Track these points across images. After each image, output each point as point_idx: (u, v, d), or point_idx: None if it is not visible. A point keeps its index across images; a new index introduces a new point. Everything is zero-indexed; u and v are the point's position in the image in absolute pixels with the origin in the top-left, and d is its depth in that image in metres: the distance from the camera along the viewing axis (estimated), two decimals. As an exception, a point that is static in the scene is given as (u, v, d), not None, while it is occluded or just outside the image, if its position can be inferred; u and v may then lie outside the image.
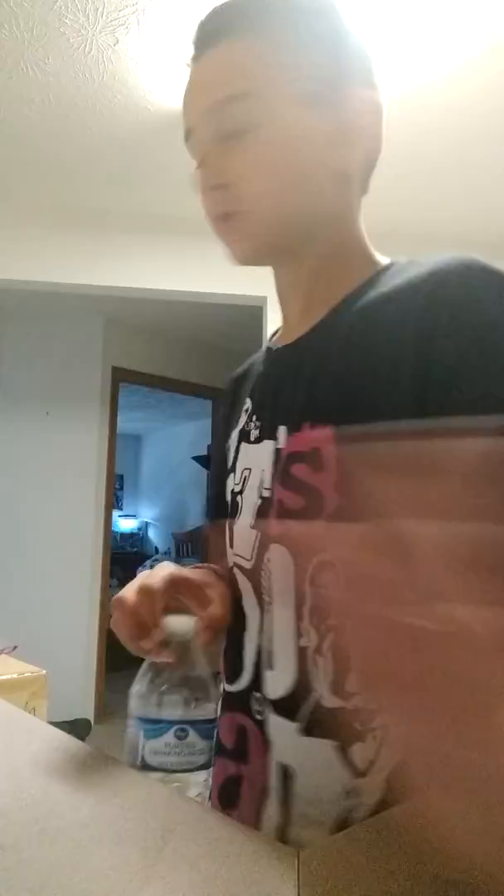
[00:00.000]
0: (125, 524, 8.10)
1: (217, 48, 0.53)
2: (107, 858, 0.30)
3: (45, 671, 0.93)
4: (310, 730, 0.47)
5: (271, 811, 0.49)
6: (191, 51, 0.57)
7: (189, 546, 6.74)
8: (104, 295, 2.72)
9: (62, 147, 2.14)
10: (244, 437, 0.61)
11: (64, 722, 3.15)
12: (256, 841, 0.33)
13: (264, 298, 2.73)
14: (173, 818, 0.34)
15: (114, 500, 4.23)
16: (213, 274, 2.69)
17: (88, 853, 0.30)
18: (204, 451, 6.22)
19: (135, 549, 7.80)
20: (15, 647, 1.08)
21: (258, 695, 0.52)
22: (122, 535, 7.89)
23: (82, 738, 2.54)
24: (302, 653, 0.48)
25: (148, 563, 7.02)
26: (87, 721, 3.37)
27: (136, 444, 8.52)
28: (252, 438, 0.59)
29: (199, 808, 0.36)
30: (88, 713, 3.42)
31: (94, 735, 3.30)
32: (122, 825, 0.33)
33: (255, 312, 2.83)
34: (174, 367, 4.29)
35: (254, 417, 0.61)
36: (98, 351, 3.79)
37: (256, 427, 0.59)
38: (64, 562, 3.53)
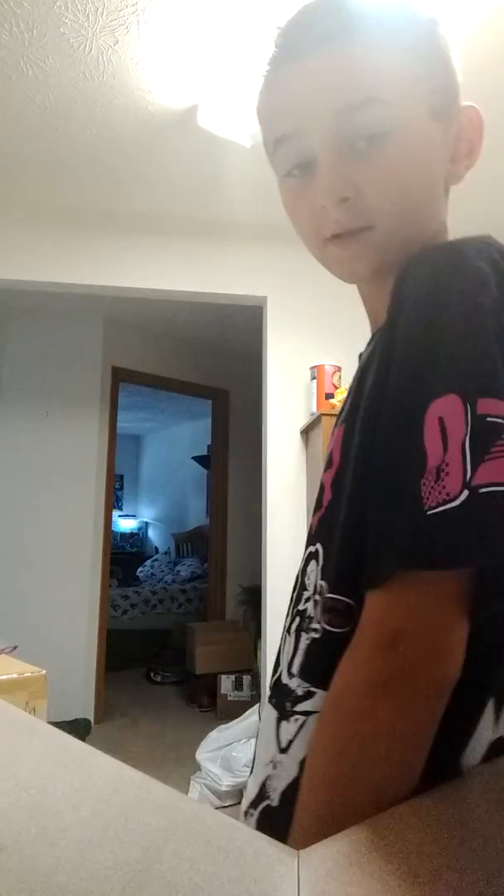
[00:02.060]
0: (125, 524, 8.10)
1: (339, 47, 0.48)
2: (107, 858, 0.30)
3: (45, 671, 0.93)
4: (270, 698, 0.52)
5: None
6: (289, 48, 0.52)
7: (189, 546, 6.74)
8: (104, 295, 2.72)
9: (62, 147, 2.14)
10: None
11: (64, 722, 3.15)
12: (256, 841, 0.33)
13: (264, 298, 2.73)
14: (173, 818, 0.34)
15: (114, 500, 4.23)
16: (213, 274, 2.70)
17: (88, 853, 0.30)
18: (204, 451, 6.22)
19: (135, 549, 7.80)
20: (15, 647, 1.08)
21: None
22: (122, 535, 7.89)
23: (82, 738, 2.55)
24: (283, 631, 0.54)
25: (148, 563, 7.03)
26: (87, 721, 3.37)
27: (136, 444, 8.53)
28: None
29: (199, 808, 0.36)
30: (88, 713, 3.42)
31: (94, 735, 3.30)
32: (122, 825, 0.33)
33: (255, 312, 2.83)
34: (174, 367, 4.29)
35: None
36: (98, 351, 3.80)
37: None
38: (64, 562, 3.53)
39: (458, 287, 0.41)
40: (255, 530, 2.89)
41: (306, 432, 2.59)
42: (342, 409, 0.56)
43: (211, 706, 3.71)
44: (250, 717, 2.70)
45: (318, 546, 0.50)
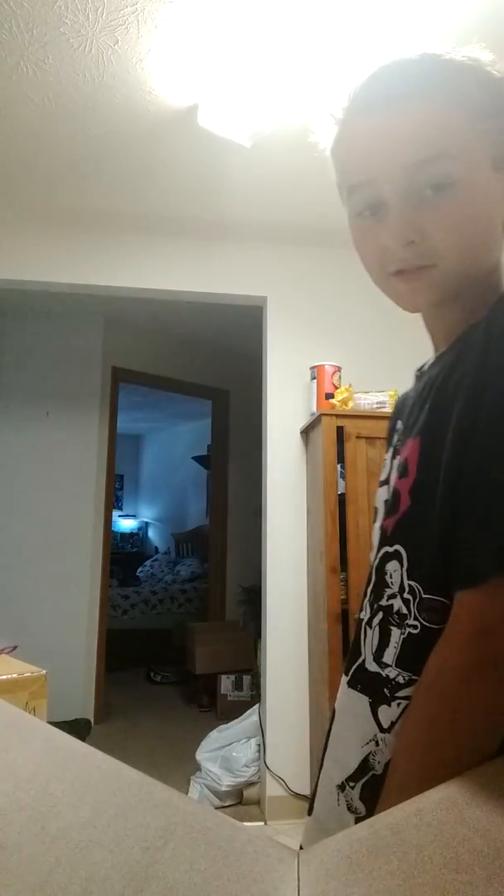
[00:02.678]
0: (125, 524, 8.10)
1: (413, 107, 0.55)
2: (107, 858, 0.30)
3: (45, 671, 0.93)
4: (353, 684, 0.59)
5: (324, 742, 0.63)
6: (368, 103, 0.57)
7: (189, 546, 6.74)
8: (104, 295, 2.72)
9: (62, 147, 2.14)
10: (395, 452, 0.68)
11: (64, 722, 3.15)
12: (256, 841, 0.33)
13: (264, 298, 2.73)
14: (173, 818, 0.34)
15: (114, 500, 4.23)
16: (213, 274, 2.70)
17: (88, 853, 0.30)
18: (204, 451, 6.22)
19: (135, 549, 7.80)
20: (15, 647, 1.08)
21: None
22: (122, 535, 7.89)
23: (82, 738, 2.55)
24: (358, 623, 0.61)
25: (148, 563, 7.03)
26: (87, 721, 3.37)
27: (136, 444, 8.52)
28: (394, 453, 0.68)
29: (199, 808, 0.36)
30: (88, 713, 3.42)
31: (94, 735, 3.30)
32: (122, 825, 0.33)
33: (255, 312, 2.83)
34: (174, 367, 4.29)
35: (400, 433, 0.69)
36: (98, 351, 3.79)
37: (400, 441, 0.67)
38: (64, 562, 3.53)
39: None
40: (255, 530, 2.89)
41: (306, 432, 2.59)
42: (410, 421, 0.63)
43: (211, 706, 3.71)
44: (250, 717, 2.70)
45: (399, 547, 0.57)
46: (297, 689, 2.46)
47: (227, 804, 2.51)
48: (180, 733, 3.34)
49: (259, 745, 2.53)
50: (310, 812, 0.63)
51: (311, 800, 0.63)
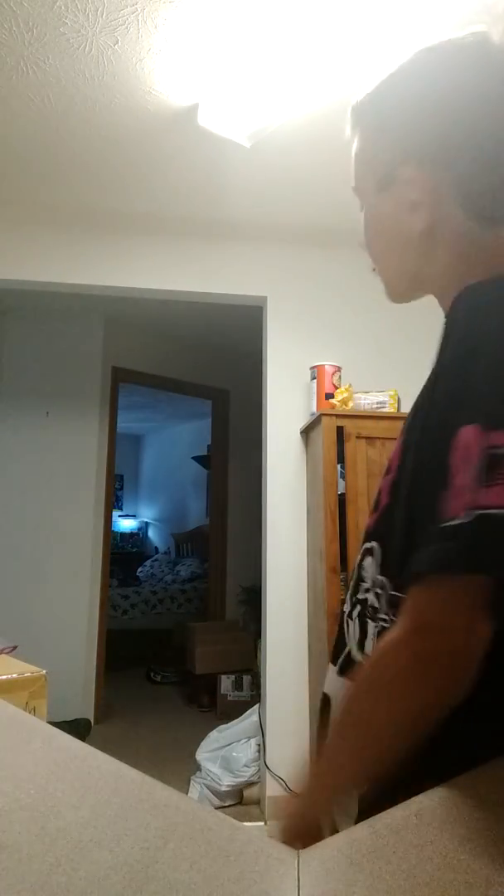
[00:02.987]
0: (125, 524, 8.10)
1: (355, 143, 0.70)
2: (107, 858, 0.30)
3: (45, 671, 0.93)
4: (342, 672, 0.62)
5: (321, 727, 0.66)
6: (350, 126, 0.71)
7: (189, 546, 6.74)
8: (104, 295, 2.72)
9: (62, 147, 2.14)
10: None
11: (64, 722, 3.15)
12: (256, 841, 0.33)
13: (264, 298, 2.73)
14: (173, 818, 0.34)
15: (114, 500, 4.23)
16: (213, 274, 2.70)
17: (88, 853, 0.30)
18: (204, 451, 6.22)
19: (135, 549, 7.80)
20: (15, 647, 1.08)
21: None
22: (122, 535, 7.89)
23: (82, 738, 2.54)
24: (342, 615, 0.64)
25: (148, 563, 7.03)
26: (87, 721, 3.37)
27: (136, 444, 8.52)
28: None
29: (199, 808, 0.36)
30: (88, 713, 3.42)
31: (94, 735, 3.30)
32: (122, 825, 0.33)
33: (255, 312, 2.83)
34: (174, 367, 4.29)
35: None
36: (98, 351, 3.79)
37: None
38: (64, 562, 3.53)
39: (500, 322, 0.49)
40: (255, 530, 2.89)
41: (306, 432, 2.59)
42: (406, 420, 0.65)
43: (211, 706, 3.71)
44: (250, 717, 2.70)
45: (375, 544, 0.60)
46: (297, 689, 2.46)
47: (227, 804, 2.51)
48: (180, 733, 3.34)
49: (259, 745, 2.53)
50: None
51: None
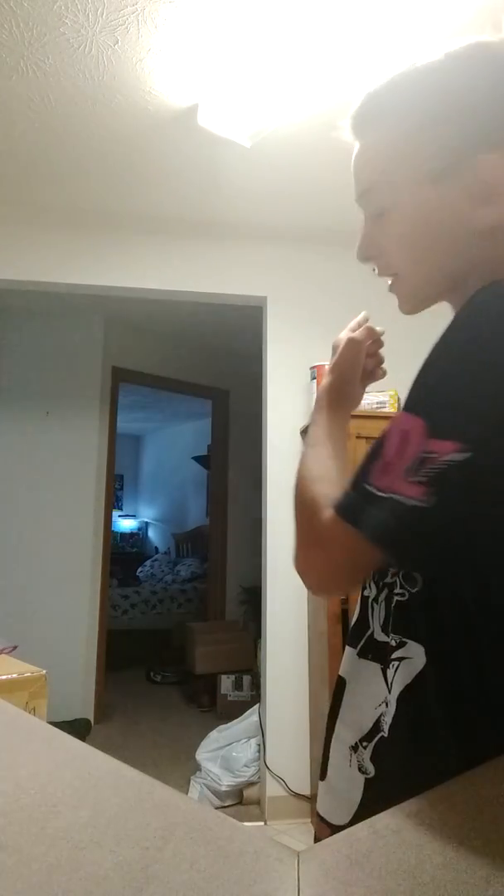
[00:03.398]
0: (125, 524, 8.10)
1: (359, 143, 0.64)
2: (107, 858, 0.30)
3: (45, 671, 0.93)
4: (364, 654, 0.63)
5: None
6: (349, 125, 0.65)
7: (189, 546, 6.74)
8: (104, 295, 2.72)
9: (62, 147, 2.14)
10: None
11: (64, 722, 3.15)
12: (256, 841, 0.33)
13: (264, 298, 2.73)
14: (173, 818, 0.34)
15: (114, 500, 4.23)
16: (213, 274, 2.70)
17: (88, 853, 0.30)
18: (204, 451, 6.22)
19: (135, 549, 7.80)
20: (15, 647, 1.08)
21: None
22: (122, 535, 7.89)
23: (82, 738, 2.54)
24: (364, 600, 0.65)
25: (148, 563, 7.03)
26: (87, 721, 3.37)
27: (136, 444, 8.52)
28: None
29: (199, 808, 0.36)
30: (88, 713, 3.42)
31: (94, 735, 3.30)
32: (122, 825, 0.33)
33: (255, 312, 2.83)
34: (174, 367, 4.29)
35: None
36: (98, 351, 3.79)
37: None
38: (64, 562, 3.53)
39: (489, 334, 0.49)
40: (255, 530, 2.89)
41: (306, 432, 2.58)
42: None
43: (211, 706, 3.71)
44: (250, 717, 2.70)
45: None
46: (297, 689, 2.46)
47: (227, 804, 2.51)
48: (180, 733, 3.34)
49: (259, 745, 2.53)
50: (322, 777, 0.67)
51: (322, 764, 0.67)
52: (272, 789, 2.40)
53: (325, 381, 0.76)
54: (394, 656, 0.58)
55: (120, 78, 1.80)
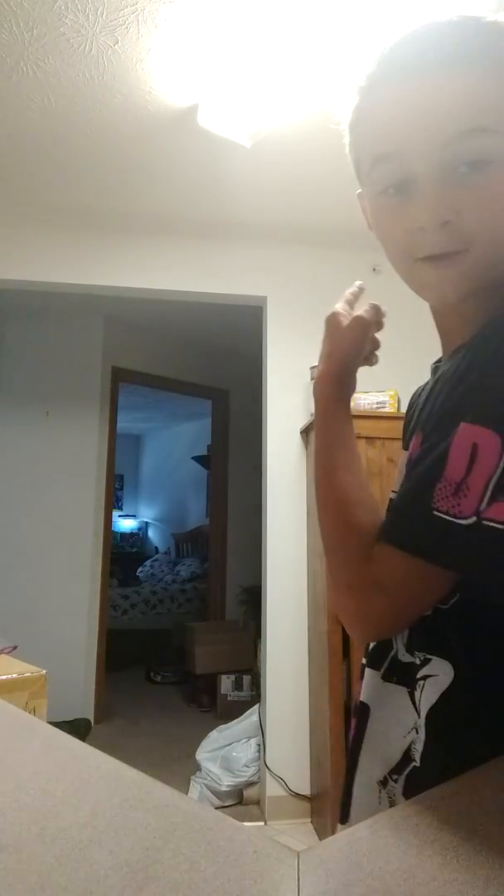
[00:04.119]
0: (125, 524, 8.10)
1: (453, 74, 0.49)
2: (107, 858, 0.30)
3: (45, 671, 0.93)
4: (388, 676, 0.57)
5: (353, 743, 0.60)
6: (400, 67, 0.52)
7: (189, 546, 6.74)
8: (104, 295, 2.72)
9: (62, 147, 2.14)
10: (405, 445, 0.66)
11: (64, 722, 3.15)
12: (256, 841, 0.33)
13: (264, 298, 2.73)
14: (173, 818, 0.34)
15: (114, 500, 4.23)
16: (213, 274, 2.70)
17: (88, 853, 0.30)
18: (204, 451, 6.22)
19: (135, 549, 7.80)
20: (15, 647, 1.08)
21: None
22: (122, 535, 7.89)
23: (82, 738, 2.54)
24: None
25: (148, 563, 7.03)
26: (87, 721, 3.37)
27: (136, 444, 8.52)
28: (404, 446, 0.65)
29: (199, 808, 0.36)
30: (88, 713, 3.42)
31: (94, 735, 3.30)
32: (122, 825, 0.33)
33: (255, 312, 2.83)
34: (174, 367, 4.29)
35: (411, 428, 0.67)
36: (98, 351, 3.79)
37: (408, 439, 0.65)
38: (64, 562, 3.53)
39: None
40: (256, 530, 2.89)
41: (306, 432, 2.59)
42: (421, 416, 0.60)
43: (211, 706, 3.71)
44: (250, 717, 2.70)
45: None
46: (297, 689, 2.46)
47: (227, 804, 2.51)
48: (180, 733, 3.34)
49: (259, 745, 2.53)
50: (343, 820, 0.59)
51: (342, 807, 0.60)
52: (272, 789, 2.39)
53: (324, 368, 0.65)
54: (419, 675, 0.53)
55: (120, 78, 1.80)
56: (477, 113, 0.49)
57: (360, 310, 0.65)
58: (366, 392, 2.43)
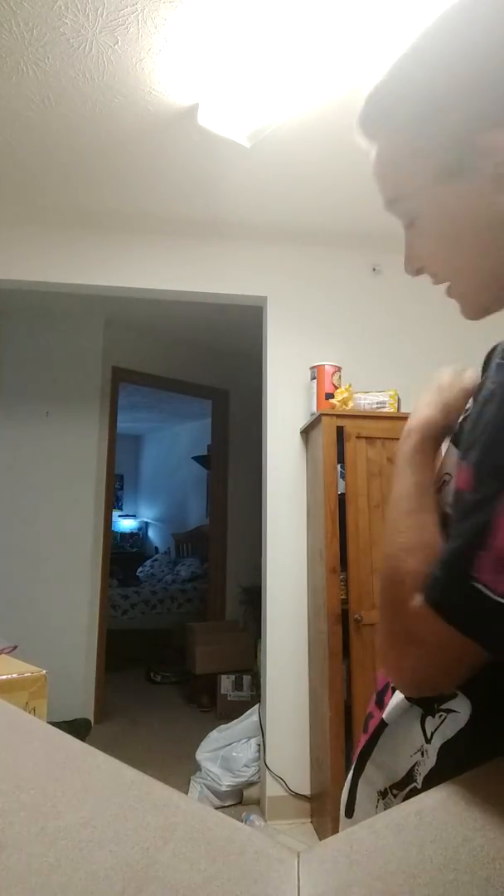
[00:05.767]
0: (125, 524, 8.10)
1: (371, 149, 0.59)
2: (107, 858, 0.30)
3: (45, 671, 0.93)
4: (409, 697, 0.58)
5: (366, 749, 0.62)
6: (356, 131, 0.61)
7: (189, 546, 6.74)
8: (104, 295, 2.72)
9: (62, 147, 2.14)
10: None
11: (64, 722, 3.15)
12: (256, 841, 0.33)
13: (264, 298, 2.73)
14: (173, 818, 0.34)
15: (114, 500, 4.23)
16: (213, 274, 2.70)
17: (88, 853, 0.30)
18: (204, 451, 6.22)
19: (135, 549, 7.80)
20: (15, 647, 1.08)
21: None
22: (122, 535, 7.89)
23: (82, 738, 2.55)
24: None
25: (148, 563, 7.03)
26: (87, 721, 3.37)
27: (136, 444, 8.52)
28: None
29: (199, 808, 0.36)
30: (88, 713, 3.42)
31: (94, 735, 3.30)
32: (122, 825, 0.33)
33: (255, 312, 2.83)
34: (174, 367, 4.29)
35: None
36: (98, 351, 3.79)
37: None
38: (64, 562, 3.53)
39: None
40: (256, 530, 2.89)
41: (306, 432, 2.59)
42: (462, 425, 0.58)
43: (211, 706, 3.71)
44: (250, 717, 2.70)
45: None
46: (297, 689, 2.46)
47: (227, 804, 2.51)
48: (180, 733, 3.34)
49: (259, 745, 2.53)
50: (349, 814, 0.62)
51: (348, 802, 0.61)
52: (272, 789, 2.40)
53: (429, 416, 0.60)
54: (442, 707, 0.53)
55: (120, 78, 1.80)
56: (390, 187, 0.58)
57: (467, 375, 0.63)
58: (366, 392, 2.43)
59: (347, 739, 2.05)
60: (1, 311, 3.62)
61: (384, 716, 0.60)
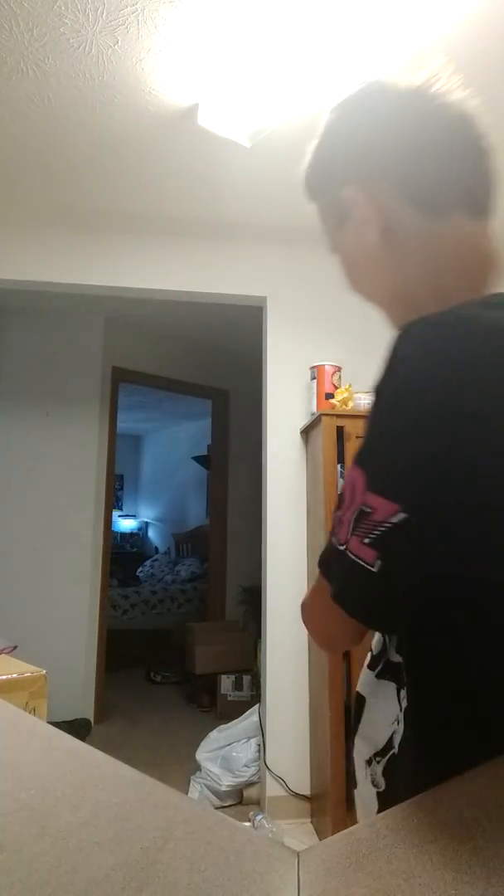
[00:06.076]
0: (125, 524, 8.10)
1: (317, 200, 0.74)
2: (107, 858, 0.30)
3: (45, 671, 0.93)
4: (382, 675, 0.66)
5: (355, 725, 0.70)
6: None
7: (189, 546, 6.74)
8: (104, 295, 2.72)
9: (62, 147, 2.14)
10: None
11: (64, 722, 3.15)
12: (256, 841, 0.33)
13: (264, 298, 2.73)
14: (173, 818, 0.34)
15: (114, 500, 4.23)
16: (213, 274, 2.70)
17: (88, 853, 0.30)
18: (204, 451, 6.22)
19: (135, 549, 7.80)
20: (15, 647, 1.08)
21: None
22: (122, 535, 7.89)
23: (82, 738, 2.54)
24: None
25: (148, 563, 7.03)
26: (87, 721, 3.37)
27: (136, 444, 8.52)
28: None
29: (199, 808, 0.36)
30: (88, 713, 3.42)
31: (94, 735, 3.30)
32: (122, 825, 0.33)
33: (255, 312, 2.83)
34: (174, 367, 4.29)
35: None
36: (98, 351, 3.79)
37: None
38: (64, 562, 3.53)
39: (414, 369, 0.49)
40: (256, 530, 2.89)
41: (306, 432, 2.59)
42: None
43: (211, 706, 3.71)
44: (250, 717, 2.70)
45: None
46: (297, 689, 2.46)
47: (227, 804, 2.51)
48: (180, 733, 3.35)
49: (259, 745, 2.53)
50: (355, 786, 0.70)
51: (349, 774, 0.72)
52: (272, 789, 2.40)
53: None
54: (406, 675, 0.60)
55: (120, 78, 1.80)
56: (327, 234, 0.73)
57: None
58: (366, 392, 2.43)
59: (348, 739, 2.05)
60: (1, 311, 3.62)
61: (359, 689, 0.69)
